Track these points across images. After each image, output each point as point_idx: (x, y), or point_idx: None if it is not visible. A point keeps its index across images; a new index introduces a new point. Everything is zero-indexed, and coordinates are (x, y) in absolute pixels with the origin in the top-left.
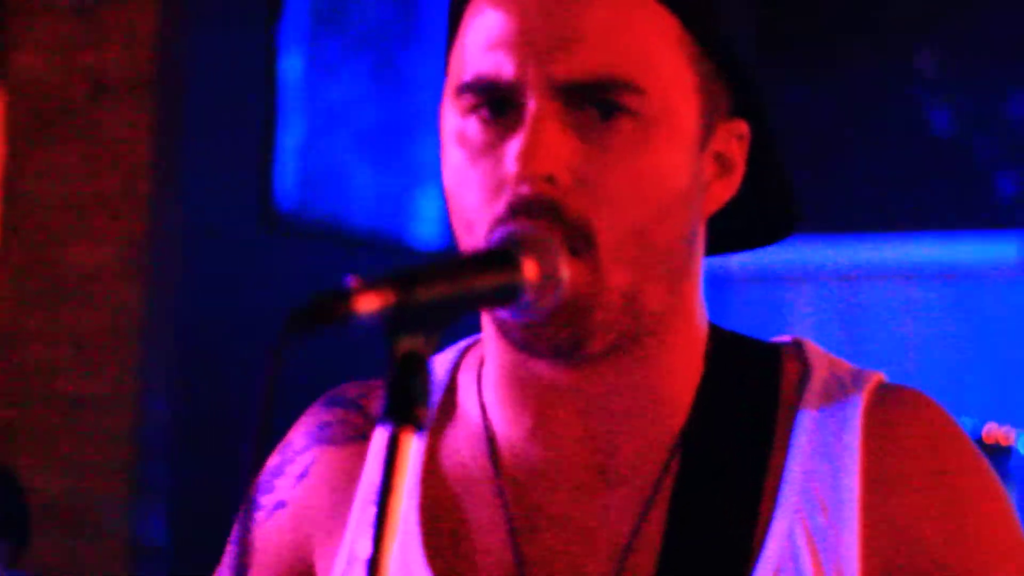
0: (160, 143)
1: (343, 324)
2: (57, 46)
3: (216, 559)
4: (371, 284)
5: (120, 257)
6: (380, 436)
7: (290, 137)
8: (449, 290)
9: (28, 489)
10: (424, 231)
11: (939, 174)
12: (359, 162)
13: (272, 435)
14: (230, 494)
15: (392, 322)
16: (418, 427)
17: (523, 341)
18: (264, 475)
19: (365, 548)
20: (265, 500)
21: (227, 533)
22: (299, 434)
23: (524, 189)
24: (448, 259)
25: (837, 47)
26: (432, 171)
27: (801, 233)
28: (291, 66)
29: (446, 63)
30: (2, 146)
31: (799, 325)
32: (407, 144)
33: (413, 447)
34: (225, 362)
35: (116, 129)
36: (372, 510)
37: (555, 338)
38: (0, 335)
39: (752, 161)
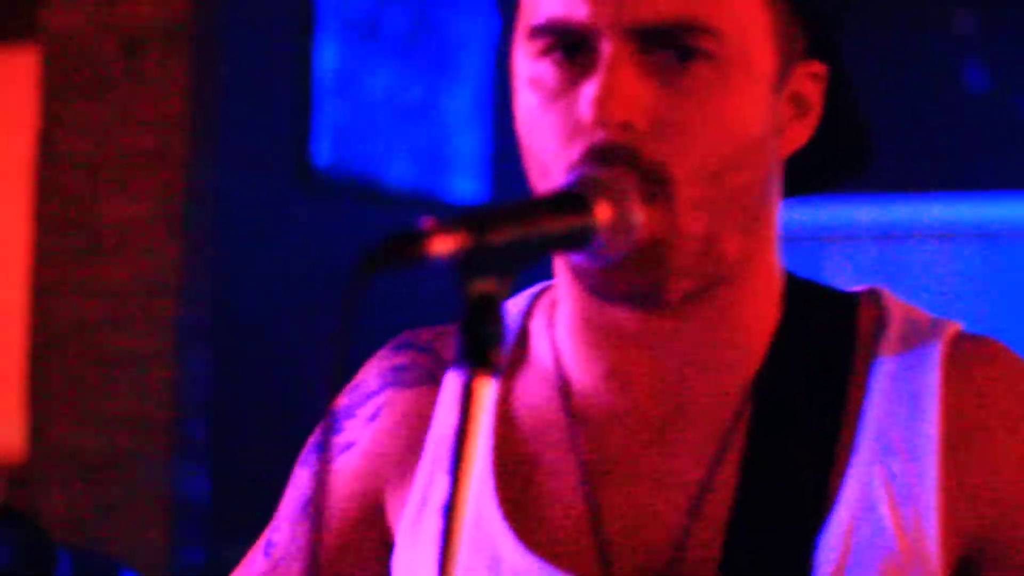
0: (196, 98)
1: (416, 265)
2: (91, 1)
3: (256, 514)
4: (445, 225)
5: (157, 213)
6: (452, 380)
7: (327, 92)
8: (523, 232)
9: (70, 445)
10: (460, 186)
11: (977, 133)
12: (395, 117)
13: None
14: (270, 449)
15: (466, 264)
16: (493, 371)
17: (597, 286)
18: (335, 416)
19: (440, 492)
20: (336, 440)
21: (267, 488)
22: (370, 376)
23: (599, 135)
24: (522, 202)
25: (874, 5)
26: (469, 125)
27: (837, 193)
28: (328, 20)
29: (515, 4)
30: (37, 103)
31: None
32: (444, 97)
33: (488, 391)
34: (262, 317)
35: (152, 85)
36: (444, 454)
37: (630, 283)
38: (38, 291)
39: (828, 102)
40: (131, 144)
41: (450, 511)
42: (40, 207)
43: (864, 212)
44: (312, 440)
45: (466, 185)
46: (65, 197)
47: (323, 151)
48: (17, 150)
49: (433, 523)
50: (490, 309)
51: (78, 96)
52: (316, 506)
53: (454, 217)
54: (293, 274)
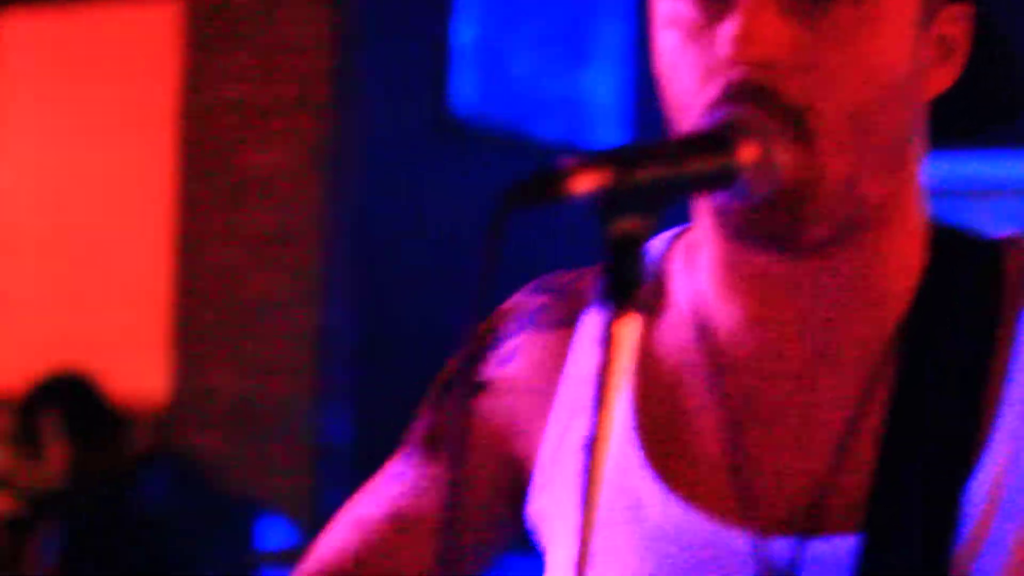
0: (338, 48)
1: (558, 203)
2: None
3: None
4: (588, 163)
5: (299, 161)
6: (590, 322)
7: (468, 41)
8: (665, 171)
9: (215, 390)
10: (602, 136)
11: None
12: (536, 67)
13: (478, 318)
14: (412, 393)
15: (607, 203)
16: (634, 310)
17: (739, 228)
18: (471, 355)
19: (579, 434)
20: (471, 380)
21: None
22: (507, 318)
23: (739, 74)
24: (664, 141)
25: None
26: (610, 74)
27: (985, 144)
28: None
29: None
30: (181, 54)
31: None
32: (584, 46)
33: (629, 332)
34: (401, 264)
35: (294, 35)
36: (582, 395)
37: (772, 226)
38: (183, 239)
39: (975, 45)
40: (273, 93)
41: (593, 450)
42: (185, 156)
43: (1012, 166)
44: (441, 378)
45: (608, 135)
46: (209, 146)
47: (463, 100)
48: (162, 101)
49: (571, 464)
50: (632, 249)
51: (221, 47)
52: (454, 444)
53: (596, 155)
54: (432, 221)
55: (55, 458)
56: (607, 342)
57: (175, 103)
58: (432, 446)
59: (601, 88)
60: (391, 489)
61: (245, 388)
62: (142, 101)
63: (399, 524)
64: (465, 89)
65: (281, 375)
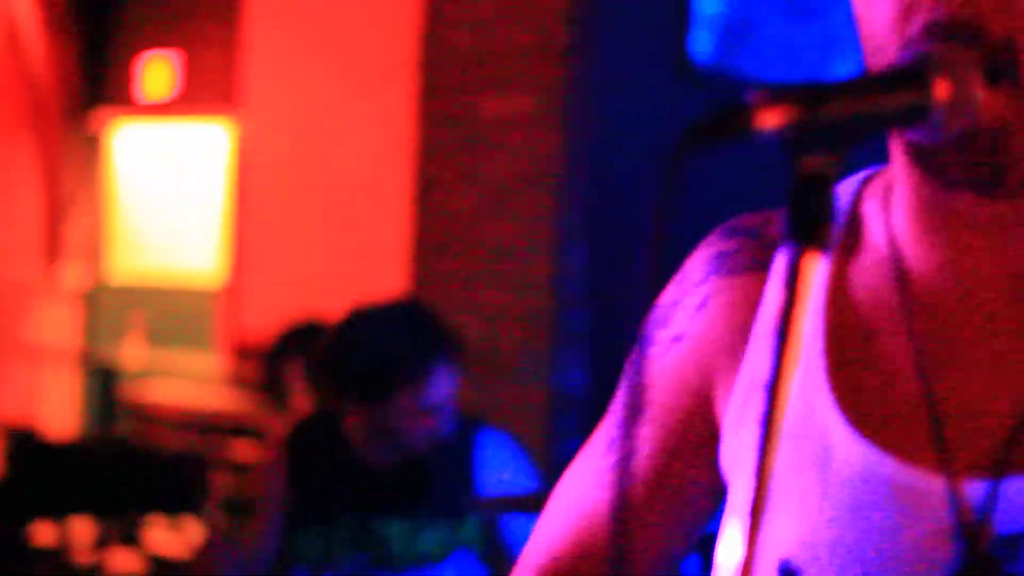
0: None
1: (743, 139)
2: None
3: None
4: (774, 98)
5: (537, 106)
6: (780, 263)
7: None
8: (855, 107)
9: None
10: None
11: None
12: (776, 15)
13: (671, 267)
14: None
15: (795, 139)
16: (821, 248)
17: (934, 168)
18: (662, 307)
19: (764, 372)
20: (664, 333)
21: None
22: (697, 265)
23: (940, 9)
24: (855, 77)
25: None
26: (850, 21)
27: None
28: None
29: None
30: (422, 1)
31: None
32: None
33: (815, 269)
34: (639, 211)
35: None
36: (772, 335)
37: (971, 167)
38: (421, 184)
39: None
40: (512, 39)
41: (774, 388)
42: (425, 102)
43: None
44: (644, 331)
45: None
46: (448, 92)
47: (702, 46)
48: (402, 48)
49: (756, 406)
50: (820, 185)
51: None
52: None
53: (784, 90)
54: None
55: (300, 405)
56: (791, 280)
57: (416, 49)
58: (636, 412)
59: (844, 35)
60: (606, 459)
61: (482, 333)
62: (385, 48)
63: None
64: (704, 35)
65: (518, 321)
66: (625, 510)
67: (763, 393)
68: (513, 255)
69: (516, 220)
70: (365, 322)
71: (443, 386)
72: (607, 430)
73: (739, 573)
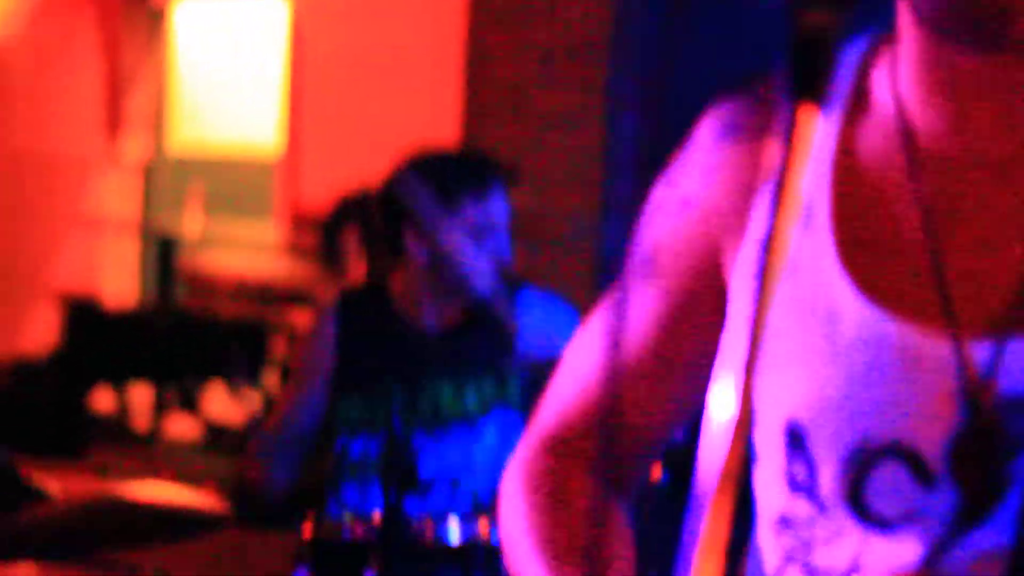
0: None
1: None
2: None
3: None
4: None
5: None
6: (781, 120)
7: None
8: None
9: None
10: None
11: None
12: None
13: (682, 132)
14: None
15: None
16: (819, 102)
17: (940, 18)
18: (670, 172)
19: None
20: (672, 196)
21: None
22: (704, 131)
23: None
24: None
25: None
26: None
27: None
28: None
29: None
30: None
31: None
32: None
33: (814, 122)
34: (688, 79)
35: None
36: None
37: (975, 17)
38: (471, 52)
39: None
40: None
41: (770, 240)
42: None
43: None
44: (652, 196)
45: None
46: None
47: None
48: None
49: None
50: (821, 41)
51: None
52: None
53: None
54: (720, 37)
55: (355, 272)
56: (787, 134)
57: None
58: (645, 270)
59: None
60: (609, 320)
61: (531, 200)
62: None
63: (643, 369)
64: None
65: (566, 188)
66: (620, 374)
67: (758, 248)
68: (562, 123)
69: (565, 88)
70: (426, 153)
71: (502, 208)
72: (615, 292)
73: (732, 429)
